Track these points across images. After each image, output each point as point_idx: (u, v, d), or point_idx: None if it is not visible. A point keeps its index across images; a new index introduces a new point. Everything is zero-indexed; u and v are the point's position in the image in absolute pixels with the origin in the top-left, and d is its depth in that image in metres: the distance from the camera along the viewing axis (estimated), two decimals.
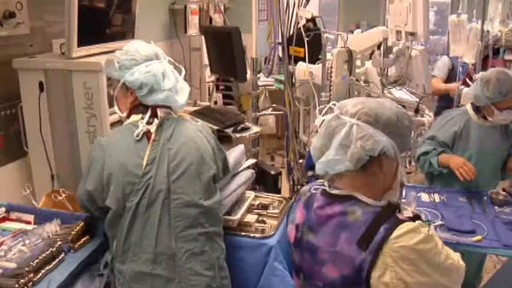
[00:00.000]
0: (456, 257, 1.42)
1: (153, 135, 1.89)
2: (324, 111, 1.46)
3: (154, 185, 1.83)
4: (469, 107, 2.93)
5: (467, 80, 3.46)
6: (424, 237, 1.31)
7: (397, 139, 1.39)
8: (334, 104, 1.46)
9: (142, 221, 1.83)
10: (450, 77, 4.32)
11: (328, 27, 5.35)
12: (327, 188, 1.48)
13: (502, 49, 4.07)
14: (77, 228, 1.98)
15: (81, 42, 2.76)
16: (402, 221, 1.33)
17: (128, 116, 1.99)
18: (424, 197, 2.81)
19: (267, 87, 4.14)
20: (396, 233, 1.30)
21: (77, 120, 2.76)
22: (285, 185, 3.45)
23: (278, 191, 3.09)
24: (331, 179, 1.49)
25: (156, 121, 1.92)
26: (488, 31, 3.76)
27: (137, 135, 1.87)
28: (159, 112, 1.94)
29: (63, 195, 2.28)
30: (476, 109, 2.87)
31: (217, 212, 2.00)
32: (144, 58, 1.93)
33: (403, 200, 2.57)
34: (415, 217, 1.40)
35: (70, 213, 2.16)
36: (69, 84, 2.72)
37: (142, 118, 1.92)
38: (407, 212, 1.66)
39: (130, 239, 1.83)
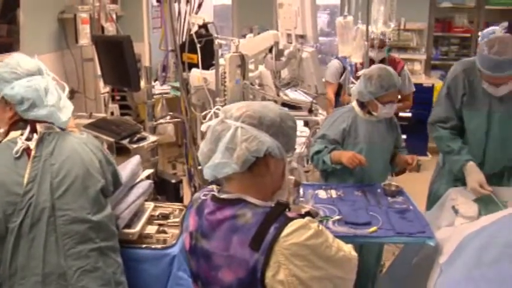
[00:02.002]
0: (348, 248, 1.45)
1: (33, 152, 1.82)
2: (208, 117, 1.47)
3: (37, 203, 1.76)
4: (355, 104, 3.03)
5: (352, 79, 3.62)
6: (314, 232, 1.34)
7: (282, 139, 1.41)
8: (219, 109, 1.47)
9: (28, 241, 1.74)
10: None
11: (223, 32, 5.39)
12: (216, 193, 1.48)
13: (387, 48, 4.29)
14: None
15: None
16: (292, 219, 1.35)
17: (7, 133, 1.90)
18: (322, 194, 2.85)
19: (164, 95, 4.12)
20: (286, 231, 1.32)
21: None
22: (187, 193, 3.44)
23: (180, 199, 3.07)
24: (221, 183, 1.49)
25: (35, 136, 1.85)
26: (373, 32, 3.93)
27: (16, 153, 1.79)
28: (39, 127, 1.86)
29: None
30: (362, 105, 2.97)
31: (110, 226, 1.95)
32: (26, 72, 1.86)
33: (301, 199, 2.63)
34: (306, 214, 1.43)
35: None
36: None
37: (22, 134, 1.84)
38: (304, 210, 1.70)
39: (16, 261, 1.74)
